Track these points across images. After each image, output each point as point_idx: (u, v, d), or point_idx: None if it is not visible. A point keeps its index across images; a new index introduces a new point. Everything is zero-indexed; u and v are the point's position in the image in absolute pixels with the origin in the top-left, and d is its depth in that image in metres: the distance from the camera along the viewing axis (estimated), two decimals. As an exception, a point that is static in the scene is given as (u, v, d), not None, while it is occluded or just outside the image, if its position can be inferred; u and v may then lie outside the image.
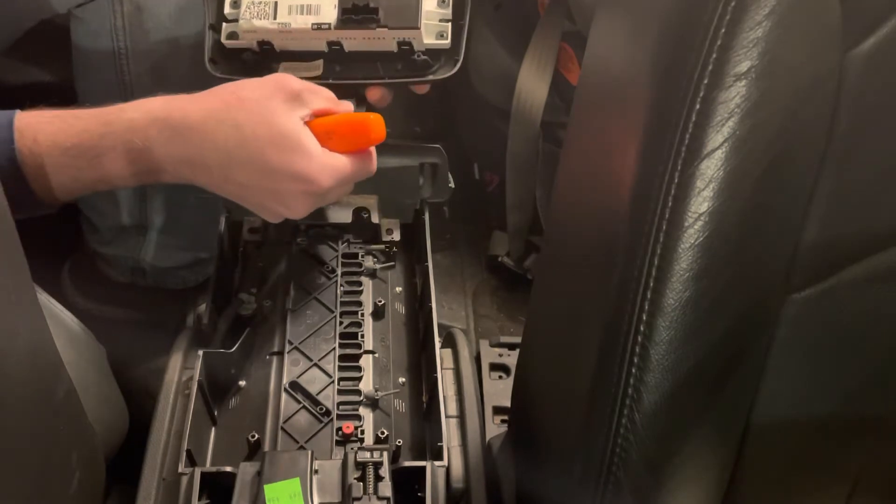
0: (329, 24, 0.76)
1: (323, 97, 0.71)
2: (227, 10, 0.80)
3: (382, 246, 0.86)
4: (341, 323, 0.77)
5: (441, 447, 0.68)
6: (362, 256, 0.83)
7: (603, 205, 0.52)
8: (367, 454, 0.64)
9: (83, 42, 0.91)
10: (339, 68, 0.79)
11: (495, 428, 0.97)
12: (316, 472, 0.63)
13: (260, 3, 0.78)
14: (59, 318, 0.73)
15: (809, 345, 0.51)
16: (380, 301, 0.80)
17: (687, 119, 0.44)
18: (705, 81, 0.43)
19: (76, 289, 1.10)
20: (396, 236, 0.86)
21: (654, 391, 0.47)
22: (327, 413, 0.71)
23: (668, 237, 0.45)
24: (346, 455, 0.64)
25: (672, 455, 0.49)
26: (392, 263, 0.85)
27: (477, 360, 1.05)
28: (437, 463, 0.66)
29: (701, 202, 0.44)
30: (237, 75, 0.77)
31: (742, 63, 0.43)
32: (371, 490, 0.62)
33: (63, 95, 0.95)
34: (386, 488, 0.62)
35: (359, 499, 0.62)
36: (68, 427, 0.62)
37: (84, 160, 0.66)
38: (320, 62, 0.79)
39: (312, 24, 0.76)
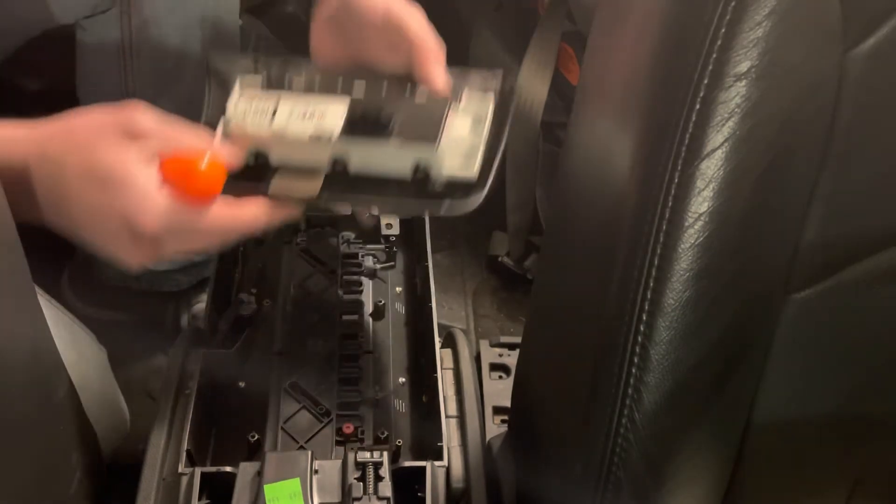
0: (331, 134, 0.63)
1: (180, 140, 0.61)
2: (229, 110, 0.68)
3: (382, 246, 0.86)
4: (341, 323, 0.77)
5: (441, 447, 0.68)
6: (362, 256, 0.83)
7: (603, 204, 0.52)
8: (367, 454, 0.64)
9: (89, 52, 0.91)
10: (340, 189, 0.64)
11: (495, 428, 0.97)
12: (316, 472, 0.63)
13: (258, 102, 0.67)
14: (61, 319, 0.73)
15: (809, 345, 0.51)
16: (380, 301, 0.80)
17: (687, 119, 0.44)
18: (705, 81, 0.43)
19: (75, 293, 1.10)
20: (396, 230, 0.86)
21: (654, 391, 0.47)
22: (327, 413, 0.71)
23: (668, 237, 0.45)
24: (346, 455, 0.64)
25: (672, 455, 0.49)
26: (392, 263, 0.85)
27: (477, 360, 1.05)
28: (437, 463, 0.66)
29: (701, 202, 0.44)
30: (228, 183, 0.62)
31: (742, 63, 0.43)
32: (371, 490, 0.62)
33: (65, 103, 0.95)
34: (386, 488, 0.62)
35: (359, 499, 0.62)
36: (68, 427, 0.62)
37: None
38: (319, 181, 0.64)
39: (311, 135, 0.64)
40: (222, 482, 0.63)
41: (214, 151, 0.61)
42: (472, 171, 0.63)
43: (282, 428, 0.70)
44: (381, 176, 0.64)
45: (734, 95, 0.43)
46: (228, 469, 0.64)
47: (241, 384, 0.74)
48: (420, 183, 0.63)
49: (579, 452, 0.51)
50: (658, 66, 0.47)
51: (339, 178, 0.64)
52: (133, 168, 0.58)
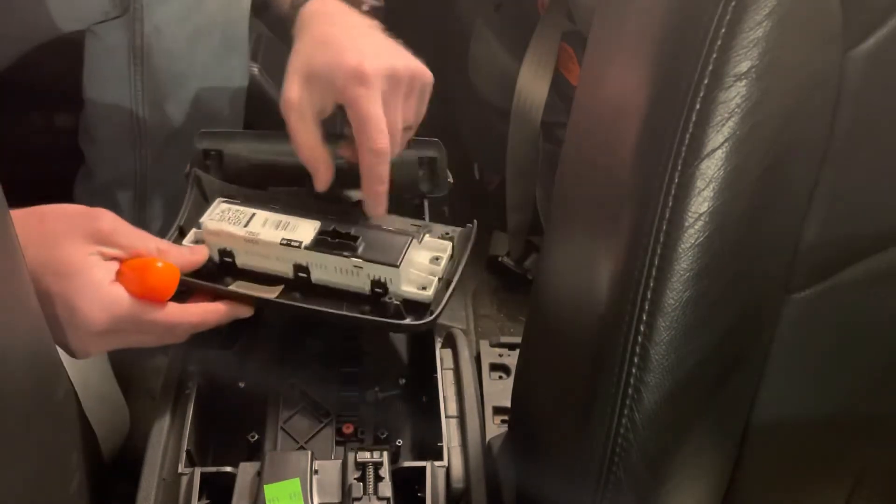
0: (300, 242, 0.69)
1: (142, 244, 0.65)
2: (204, 218, 0.72)
3: None
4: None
5: (441, 447, 0.68)
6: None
7: (603, 204, 0.52)
8: (367, 454, 0.64)
9: (98, 57, 0.90)
10: (299, 296, 0.70)
11: (495, 428, 0.97)
12: (316, 472, 0.63)
13: (236, 210, 0.72)
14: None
15: (809, 345, 0.51)
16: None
17: (687, 119, 0.44)
18: (705, 81, 0.43)
19: None
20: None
21: (654, 391, 0.47)
22: (327, 413, 0.71)
23: (668, 237, 0.45)
24: (346, 455, 0.64)
25: (672, 455, 0.49)
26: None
27: (477, 360, 1.05)
28: (437, 463, 0.66)
29: (701, 202, 0.44)
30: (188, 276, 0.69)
31: (742, 63, 0.43)
32: (371, 490, 0.62)
33: (72, 105, 0.95)
34: (386, 488, 0.62)
35: (359, 499, 0.62)
36: (68, 427, 0.62)
37: None
38: (279, 287, 0.71)
39: (282, 240, 0.69)
40: (222, 482, 0.63)
41: (172, 254, 0.66)
42: (428, 294, 0.69)
43: (282, 428, 0.70)
44: (340, 288, 0.70)
45: (734, 95, 0.43)
46: (228, 469, 0.64)
47: (241, 384, 0.74)
48: (376, 299, 0.69)
49: (579, 452, 0.51)
50: (658, 65, 0.47)
51: (300, 285, 0.70)
52: (88, 262, 0.62)
